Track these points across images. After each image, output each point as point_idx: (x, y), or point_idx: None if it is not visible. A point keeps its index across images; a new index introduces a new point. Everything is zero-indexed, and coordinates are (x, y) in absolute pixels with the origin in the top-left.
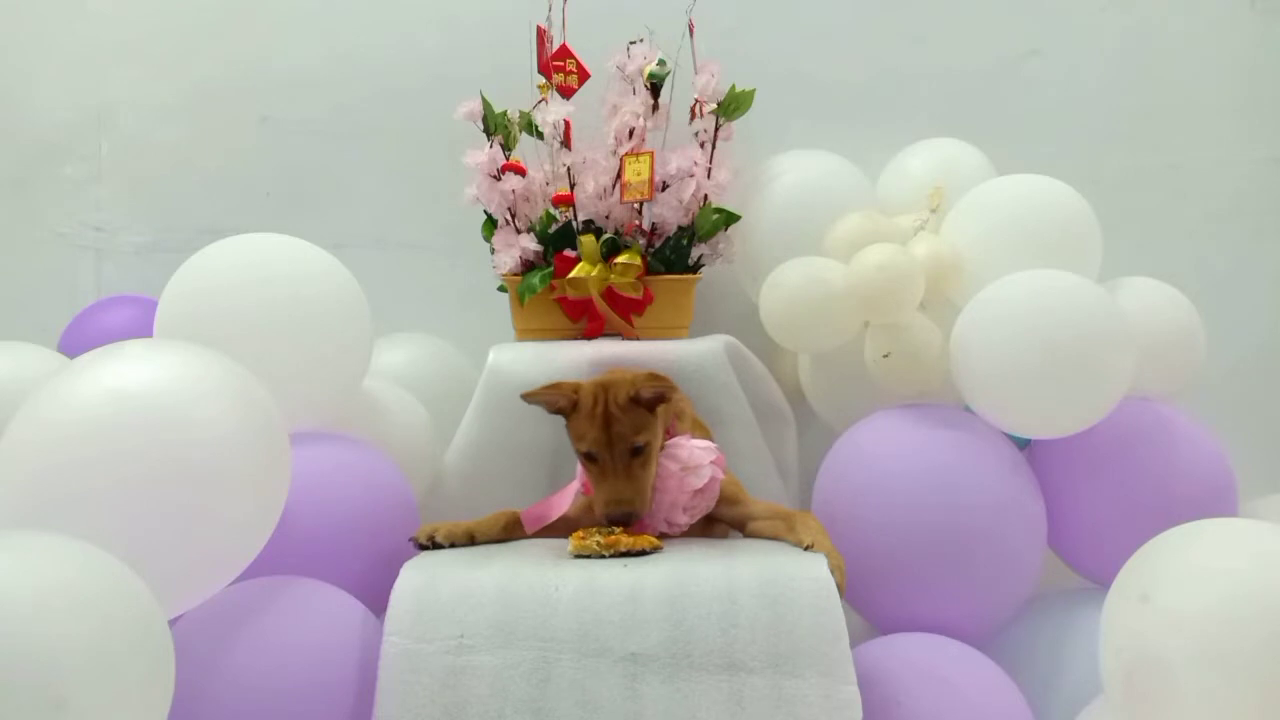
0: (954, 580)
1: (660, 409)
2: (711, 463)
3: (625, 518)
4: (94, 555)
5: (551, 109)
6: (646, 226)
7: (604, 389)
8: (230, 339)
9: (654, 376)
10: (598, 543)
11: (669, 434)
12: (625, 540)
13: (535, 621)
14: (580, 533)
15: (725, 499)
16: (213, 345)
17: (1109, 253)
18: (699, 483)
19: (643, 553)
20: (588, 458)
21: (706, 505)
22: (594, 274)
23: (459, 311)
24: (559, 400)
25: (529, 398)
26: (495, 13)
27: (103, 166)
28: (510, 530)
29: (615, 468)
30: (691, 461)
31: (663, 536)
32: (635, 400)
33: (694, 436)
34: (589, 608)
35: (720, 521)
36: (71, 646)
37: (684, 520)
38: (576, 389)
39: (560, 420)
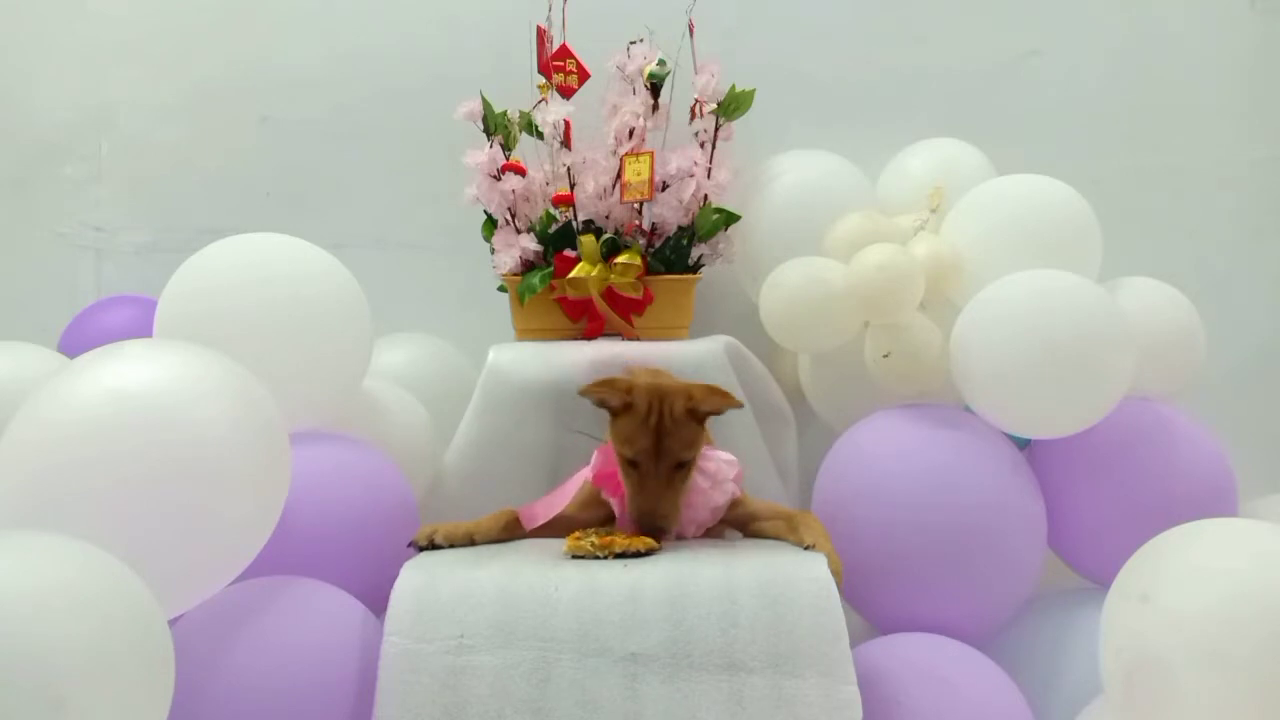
0: (954, 580)
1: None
2: (732, 479)
3: (657, 532)
4: (94, 555)
5: (551, 109)
6: (646, 226)
7: (659, 397)
8: (230, 339)
9: (714, 391)
10: (592, 543)
11: None
12: (620, 541)
13: (535, 621)
14: (576, 533)
15: None
16: (213, 345)
17: (1109, 253)
18: (722, 499)
19: (639, 554)
20: (630, 463)
21: (714, 517)
22: (594, 274)
23: (459, 311)
24: (611, 400)
25: (585, 392)
26: (495, 13)
27: (103, 166)
28: (510, 530)
29: (657, 479)
30: (719, 476)
31: None
32: (691, 413)
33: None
34: (589, 608)
35: (719, 519)
36: (71, 646)
37: (691, 532)
38: (630, 389)
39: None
